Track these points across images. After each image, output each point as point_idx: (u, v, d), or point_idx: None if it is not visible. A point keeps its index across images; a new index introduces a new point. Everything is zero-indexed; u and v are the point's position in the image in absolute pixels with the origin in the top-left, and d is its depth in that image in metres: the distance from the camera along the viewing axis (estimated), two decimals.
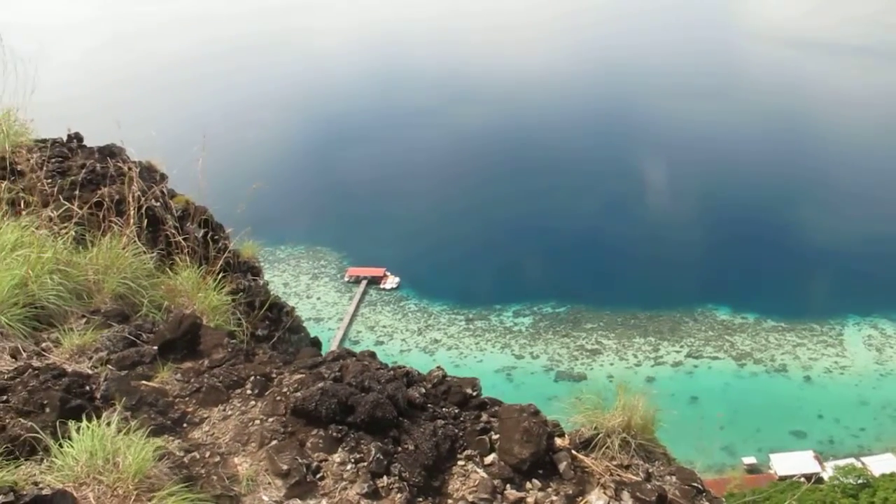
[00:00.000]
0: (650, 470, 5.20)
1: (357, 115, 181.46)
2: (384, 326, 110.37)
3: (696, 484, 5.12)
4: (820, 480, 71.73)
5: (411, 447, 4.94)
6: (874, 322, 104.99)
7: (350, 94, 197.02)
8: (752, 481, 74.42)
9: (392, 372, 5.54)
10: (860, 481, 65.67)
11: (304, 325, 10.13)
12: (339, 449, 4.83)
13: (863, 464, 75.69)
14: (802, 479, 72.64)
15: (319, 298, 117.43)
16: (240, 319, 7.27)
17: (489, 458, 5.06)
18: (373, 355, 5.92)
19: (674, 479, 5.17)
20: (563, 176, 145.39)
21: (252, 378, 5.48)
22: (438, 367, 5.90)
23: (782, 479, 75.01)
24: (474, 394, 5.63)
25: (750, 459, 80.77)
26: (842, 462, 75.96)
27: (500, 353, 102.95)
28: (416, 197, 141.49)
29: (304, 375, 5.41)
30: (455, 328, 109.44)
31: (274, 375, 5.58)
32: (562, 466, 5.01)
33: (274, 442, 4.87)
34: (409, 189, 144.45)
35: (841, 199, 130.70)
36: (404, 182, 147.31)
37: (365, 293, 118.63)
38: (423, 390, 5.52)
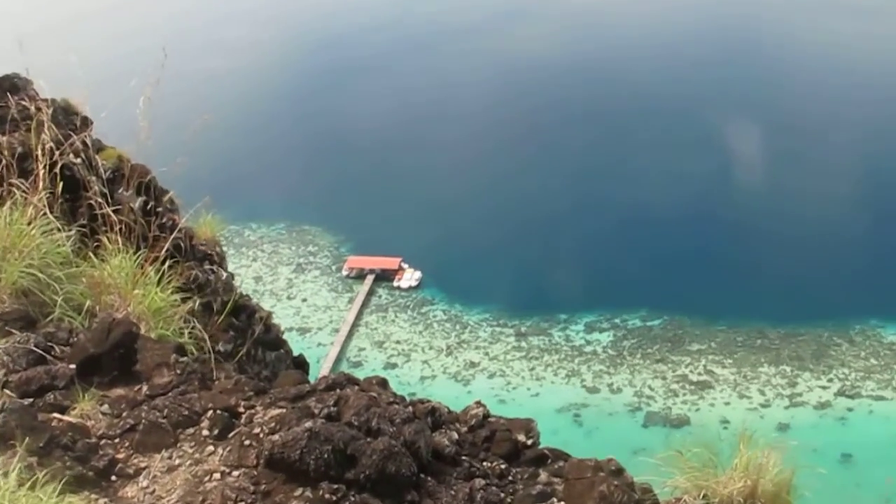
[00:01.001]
0: None
1: (366, 37, 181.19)
2: (398, 342, 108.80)
3: None
4: None
5: None
6: None
7: (358, 6, 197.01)
8: None
9: (411, 409, 5.59)
10: None
11: (285, 337, 10.10)
12: None
13: None
14: None
15: (306, 300, 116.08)
16: (193, 328, 7.31)
17: None
18: (383, 384, 5.98)
19: None
20: (657, 130, 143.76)
21: (210, 413, 5.53)
22: (478, 403, 5.96)
23: None
24: (529, 442, 5.69)
25: None
26: None
27: (566, 385, 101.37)
28: (448, 156, 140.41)
29: (284, 410, 5.46)
30: (500, 347, 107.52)
31: (241, 409, 5.64)
32: None
33: None
34: (438, 144, 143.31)
35: None
36: (431, 133, 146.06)
37: (371, 294, 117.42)
38: (456, 436, 5.58)
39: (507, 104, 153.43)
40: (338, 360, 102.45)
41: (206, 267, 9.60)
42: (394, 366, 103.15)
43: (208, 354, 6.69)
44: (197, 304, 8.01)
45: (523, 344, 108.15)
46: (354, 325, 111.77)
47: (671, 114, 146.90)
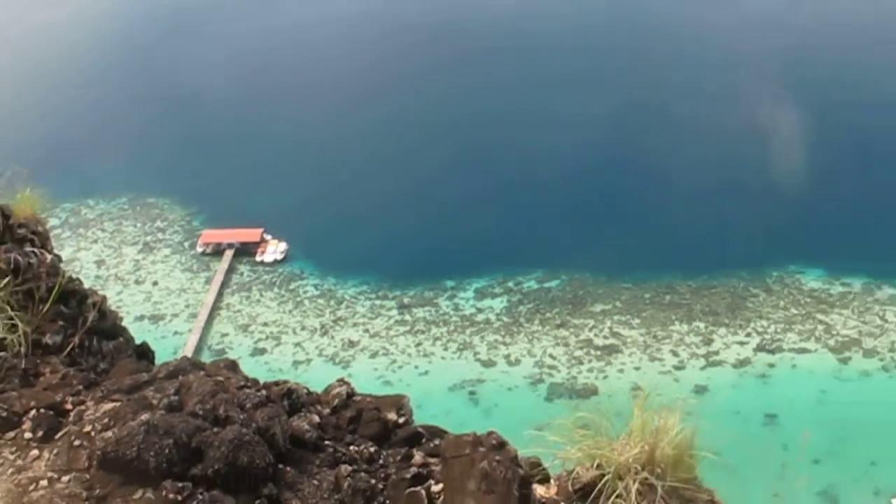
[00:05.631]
0: None
1: None
2: (266, 324, 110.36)
3: None
4: None
5: None
6: None
7: None
8: None
9: (264, 392, 5.80)
10: None
11: (133, 325, 9.94)
12: None
13: None
14: None
15: (157, 283, 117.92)
16: (12, 318, 7.48)
17: None
18: (232, 367, 6.28)
19: None
20: (539, 68, 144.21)
21: (34, 412, 5.72)
22: (340, 381, 6.21)
23: None
24: (401, 421, 5.97)
25: None
26: None
27: (457, 359, 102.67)
28: (306, 109, 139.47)
29: (118, 404, 5.68)
30: (381, 322, 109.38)
31: (70, 406, 5.85)
32: None
33: None
34: (294, 96, 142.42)
35: None
36: (285, 85, 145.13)
37: (231, 271, 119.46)
38: (318, 419, 5.81)
39: (379, 47, 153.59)
40: (198, 349, 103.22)
41: (28, 249, 9.86)
42: (262, 351, 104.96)
43: (31, 348, 7.09)
44: (17, 291, 8.20)
45: (407, 317, 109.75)
46: (215, 309, 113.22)
47: (546, 52, 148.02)
